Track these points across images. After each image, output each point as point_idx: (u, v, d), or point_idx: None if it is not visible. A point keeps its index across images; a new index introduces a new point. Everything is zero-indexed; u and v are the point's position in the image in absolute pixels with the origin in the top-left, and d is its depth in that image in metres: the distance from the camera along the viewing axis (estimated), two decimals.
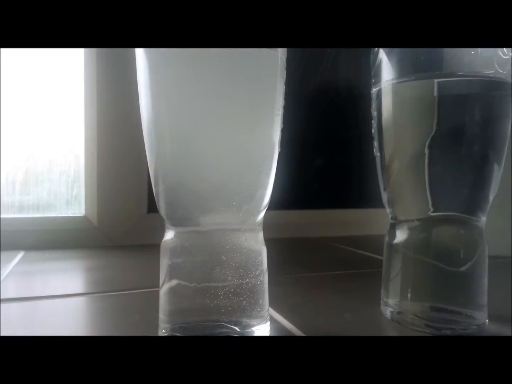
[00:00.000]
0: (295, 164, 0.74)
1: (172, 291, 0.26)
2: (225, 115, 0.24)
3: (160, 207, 0.26)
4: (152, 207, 0.66)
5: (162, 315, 0.27)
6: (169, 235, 0.26)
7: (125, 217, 0.64)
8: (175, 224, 0.26)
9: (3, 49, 0.60)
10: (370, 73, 0.31)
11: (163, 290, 0.26)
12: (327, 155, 0.80)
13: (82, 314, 0.34)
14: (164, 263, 0.26)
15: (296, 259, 0.56)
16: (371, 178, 0.37)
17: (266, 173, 0.26)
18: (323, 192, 0.79)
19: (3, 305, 0.34)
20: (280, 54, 0.25)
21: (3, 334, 0.28)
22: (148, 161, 0.26)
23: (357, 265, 0.52)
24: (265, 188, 0.26)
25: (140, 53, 0.25)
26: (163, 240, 0.27)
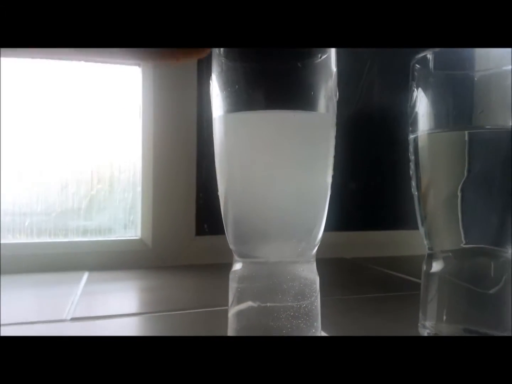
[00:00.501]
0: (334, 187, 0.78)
1: (240, 311, 0.31)
2: (288, 166, 0.29)
3: (230, 242, 0.31)
4: (199, 230, 0.72)
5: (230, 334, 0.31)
6: (237, 266, 0.31)
7: (176, 240, 0.70)
8: (242, 256, 0.31)
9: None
10: (408, 120, 0.36)
11: (232, 311, 0.31)
12: (364, 178, 0.84)
13: (143, 332, 0.40)
14: (233, 287, 0.31)
15: (336, 281, 0.60)
16: (406, 200, 0.41)
17: (321, 213, 0.30)
18: (360, 214, 0.83)
19: (83, 323, 0.40)
20: (331, 115, 0.30)
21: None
22: (221, 205, 0.31)
23: (394, 288, 0.56)
24: (320, 225, 0.31)
25: (216, 116, 0.30)
26: (231, 270, 0.31)
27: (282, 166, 0.29)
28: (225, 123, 0.29)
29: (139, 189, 0.70)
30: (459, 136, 0.32)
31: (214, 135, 0.31)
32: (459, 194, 0.32)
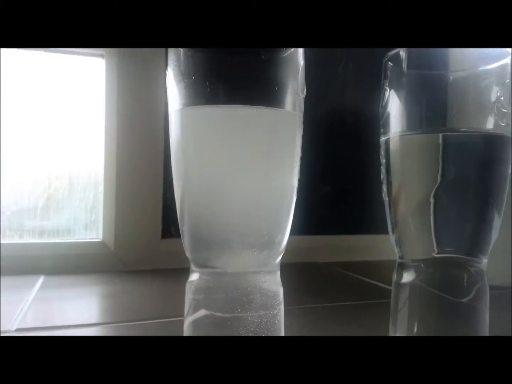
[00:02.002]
0: (306, 191, 0.76)
1: (196, 322, 0.28)
2: (248, 168, 0.26)
3: (186, 249, 0.29)
4: (165, 233, 0.69)
5: None
6: (194, 276, 0.29)
7: (140, 242, 0.67)
8: (200, 265, 0.28)
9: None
10: (379, 122, 0.34)
11: (188, 321, 0.28)
12: (338, 182, 0.82)
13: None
14: (189, 298, 0.29)
15: (305, 288, 0.58)
16: (380, 204, 0.39)
17: (285, 220, 0.28)
18: (331, 218, 0.82)
19: (26, 334, 0.37)
20: (298, 113, 0.28)
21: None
22: (177, 208, 0.29)
23: (365, 295, 0.54)
24: (284, 232, 0.28)
25: (172, 111, 0.27)
26: (188, 281, 0.29)
27: (242, 167, 0.26)
28: (181, 118, 0.27)
29: (101, 187, 0.66)
30: (432, 139, 0.30)
31: (170, 132, 0.28)
32: (431, 200, 0.30)
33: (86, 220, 0.67)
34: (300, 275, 0.66)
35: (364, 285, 0.60)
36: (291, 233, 0.81)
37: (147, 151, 0.66)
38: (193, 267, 0.29)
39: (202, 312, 0.28)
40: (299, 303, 0.48)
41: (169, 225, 0.70)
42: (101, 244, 0.66)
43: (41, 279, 0.58)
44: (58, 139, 0.65)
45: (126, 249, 0.66)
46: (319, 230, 0.80)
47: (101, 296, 0.53)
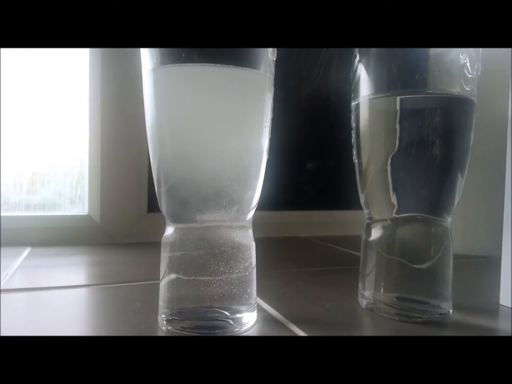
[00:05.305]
0: (289, 168, 0.78)
1: (171, 281, 0.29)
2: (218, 127, 0.28)
3: (162, 206, 0.30)
4: (151, 207, 0.70)
5: (162, 303, 0.30)
6: (169, 230, 0.30)
7: (126, 216, 0.68)
8: (175, 221, 0.30)
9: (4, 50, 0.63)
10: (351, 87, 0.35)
11: (163, 281, 0.30)
12: (317, 159, 0.84)
13: (84, 303, 0.38)
14: (164, 256, 0.30)
15: (285, 256, 0.60)
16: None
17: (254, 177, 0.29)
18: (314, 194, 0.83)
19: (12, 295, 0.38)
20: (268, 74, 0.29)
21: (10, 319, 0.32)
22: (151, 165, 0.30)
23: (342, 262, 0.56)
24: (254, 190, 0.30)
25: (146, 70, 0.28)
26: (164, 235, 0.30)
27: (213, 125, 0.28)
28: (153, 78, 0.28)
29: (86, 162, 0.67)
30: (396, 101, 0.31)
31: (144, 91, 0.29)
32: (390, 162, 0.32)
33: (71, 194, 0.67)
34: (280, 246, 0.68)
35: (342, 254, 0.62)
36: (275, 209, 0.82)
37: (131, 124, 0.66)
38: (168, 221, 0.30)
39: (175, 273, 0.29)
40: (277, 268, 0.50)
41: (155, 199, 0.71)
42: (87, 217, 0.67)
43: (27, 250, 0.59)
44: (43, 116, 0.66)
45: (112, 223, 0.67)
46: (304, 205, 0.81)
47: (88, 264, 0.54)
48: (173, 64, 0.27)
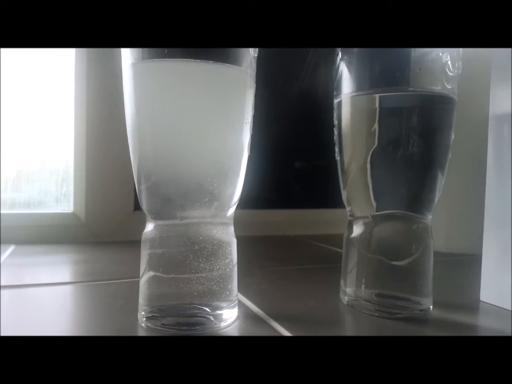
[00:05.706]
0: (276, 167, 0.78)
1: (150, 278, 0.29)
2: (199, 124, 0.28)
3: (142, 203, 0.30)
4: (138, 205, 0.69)
5: (141, 300, 0.30)
6: (149, 227, 0.30)
7: (112, 215, 0.67)
8: (155, 217, 0.30)
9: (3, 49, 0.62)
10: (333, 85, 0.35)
11: (143, 279, 0.30)
12: (305, 158, 0.84)
13: (68, 300, 0.38)
14: (144, 254, 0.30)
15: (271, 255, 0.60)
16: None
17: (235, 174, 0.29)
18: (301, 192, 0.83)
19: None
20: (249, 71, 0.29)
21: None
22: (132, 161, 0.30)
23: (326, 260, 0.56)
24: (234, 187, 0.30)
25: (126, 66, 0.28)
26: (144, 232, 0.30)
27: (193, 121, 0.27)
28: (134, 73, 0.28)
29: (71, 160, 0.66)
30: (377, 99, 0.31)
31: (124, 87, 0.29)
32: (370, 160, 0.32)
33: (57, 192, 0.67)
34: (264, 245, 0.68)
35: (328, 252, 0.62)
36: (262, 207, 0.82)
37: (117, 123, 0.66)
38: (148, 218, 0.30)
39: (154, 271, 0.29)
40: (262, 266, 0.50)
41: None
42: (72, 215, 0.66)
43: (11, 248, 0.58)
44: (28, 114, 0.65)
45: (97, 221, 0.66)
46: (291, 204, 0.81)
47: (72, 262, 0.54)
48: (153, 59, 0.27)
